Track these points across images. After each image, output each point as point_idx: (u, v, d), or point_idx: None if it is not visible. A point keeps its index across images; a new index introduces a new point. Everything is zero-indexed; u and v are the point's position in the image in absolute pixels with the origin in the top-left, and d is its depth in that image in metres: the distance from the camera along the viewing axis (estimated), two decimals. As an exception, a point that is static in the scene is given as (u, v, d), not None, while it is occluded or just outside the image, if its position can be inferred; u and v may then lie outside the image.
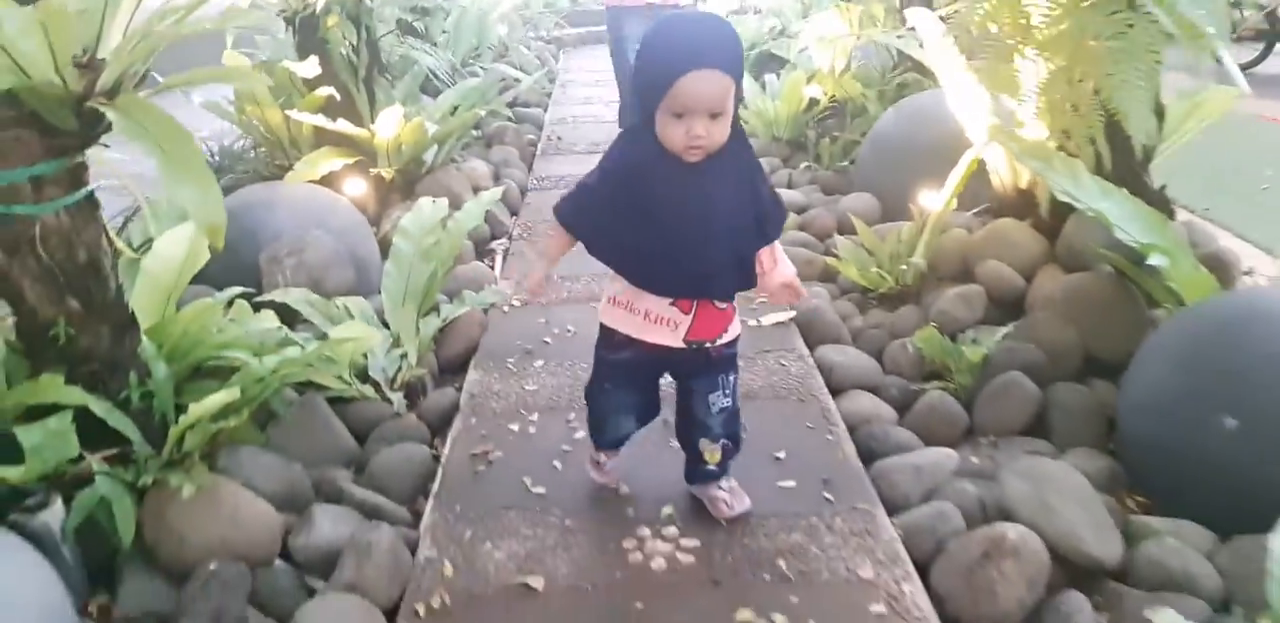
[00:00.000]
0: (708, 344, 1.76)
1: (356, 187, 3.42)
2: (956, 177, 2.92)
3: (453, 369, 2.66)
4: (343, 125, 3.43)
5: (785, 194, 3.98)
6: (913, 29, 3.25)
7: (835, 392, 2.42)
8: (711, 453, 1.86)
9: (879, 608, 1.63)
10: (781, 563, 1.75)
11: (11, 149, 1.77)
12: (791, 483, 1.96)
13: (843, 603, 1.65)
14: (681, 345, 1.74)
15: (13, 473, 1.59)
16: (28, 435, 1.66)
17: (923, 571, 1.75)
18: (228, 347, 2.09)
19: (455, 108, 4.13)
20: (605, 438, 1.97)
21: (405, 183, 3.72)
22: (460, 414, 2.35)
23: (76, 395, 1.75)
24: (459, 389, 2.50)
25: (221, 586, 1.64)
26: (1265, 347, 1.87)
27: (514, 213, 4.01)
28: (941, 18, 2.92)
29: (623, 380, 1.87)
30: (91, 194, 1.91)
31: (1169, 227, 2.38)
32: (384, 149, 3.56)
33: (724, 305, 1.76)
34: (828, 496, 1.95)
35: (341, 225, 2.97)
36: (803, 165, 4.43)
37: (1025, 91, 2.72)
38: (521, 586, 1.73)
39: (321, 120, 3.34)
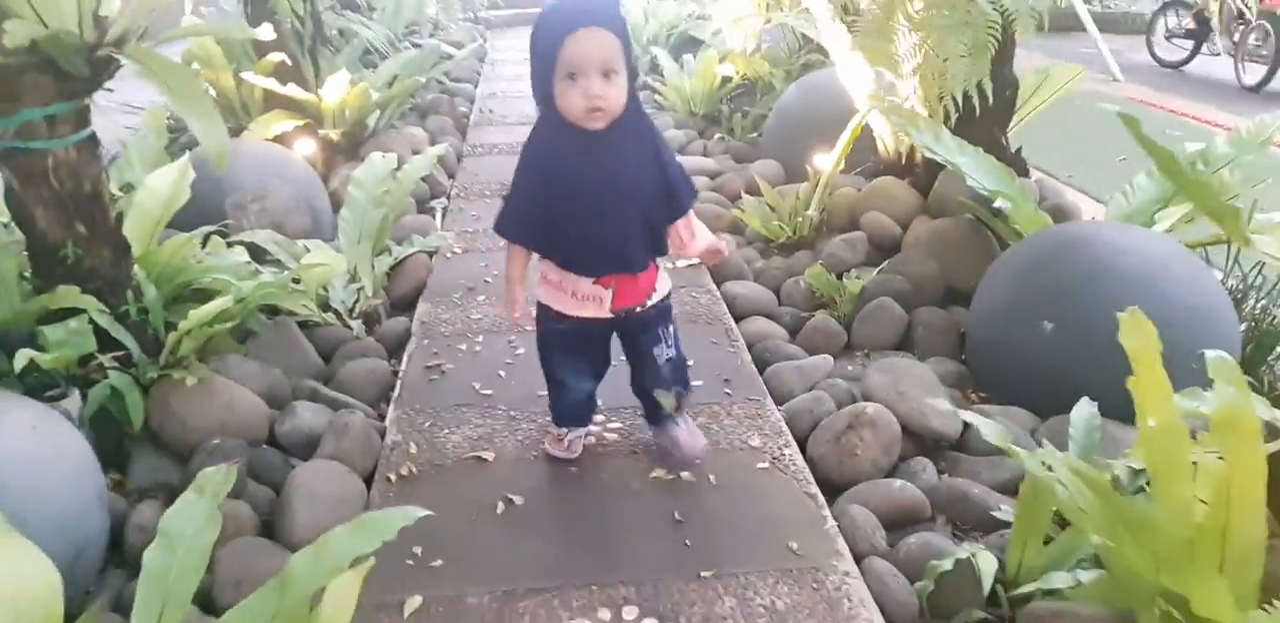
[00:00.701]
0: (637, 309, 1.88)
1: (306, 147, 3.71)
2: (843, 141, 3.35)
3: (403, 305, 2.99)
4: (292, 90, 3.71)
5: (700, 162, 4.39)
6: (807, 10, 3.67)
7: (738, 318, 2.83)
8: (666, 399, 2.00)
9: (764, 465, 2.04)
10: (689, 439, 2.15)
11: (29, 91, 2.05)
12: (699, 382, 2.35)
13: (736, 463, 2.05)
14: (610, 315, 1.87)
15: (44, 358, 1.89)
16: (53, 332, 1.96)
17: (801, 443, 2.16)
18: (210, 272, 2.40)
19: (394, 77, 4.43)
20: (566, 403, 2.04)
21: (350, 145, 4.02)
22: (414, 337, 2.70)
23: (91, 303, 2.05)
24: (410, 318, 2.84)
25: (224, 456, 1.96)
26: (1075, 266, 2.32)
27: (451, 176, 4.34)
28: (830, 1, 3.34)
29: (568, 347, 1.97)
30: (94, 133, 2.20)
31: (1015, 178, 2.84)
32: (330, 113, 3.86)
33: (640, 274, 1.86)
34: (728, 390, 2.36)
35: (296, 178, 3.27)
36: (716, 137, 4.84)
37: (900, 65, 3.17)
38: (475, 458, 2.09)
39: (273, 84, 3.62)
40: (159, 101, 3.37)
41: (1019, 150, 3.29)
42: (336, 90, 3.82)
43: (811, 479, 2.01)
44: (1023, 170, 3.23)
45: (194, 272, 2.40)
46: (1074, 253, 2.37)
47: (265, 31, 3.28)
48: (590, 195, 1.73)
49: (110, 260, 2.24)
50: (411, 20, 5.96)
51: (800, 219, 3.41)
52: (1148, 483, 1.61)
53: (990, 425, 1.64)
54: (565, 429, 2.08)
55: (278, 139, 3.60)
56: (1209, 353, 1.47)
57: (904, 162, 3.47)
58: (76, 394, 2.01)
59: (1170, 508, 1.38)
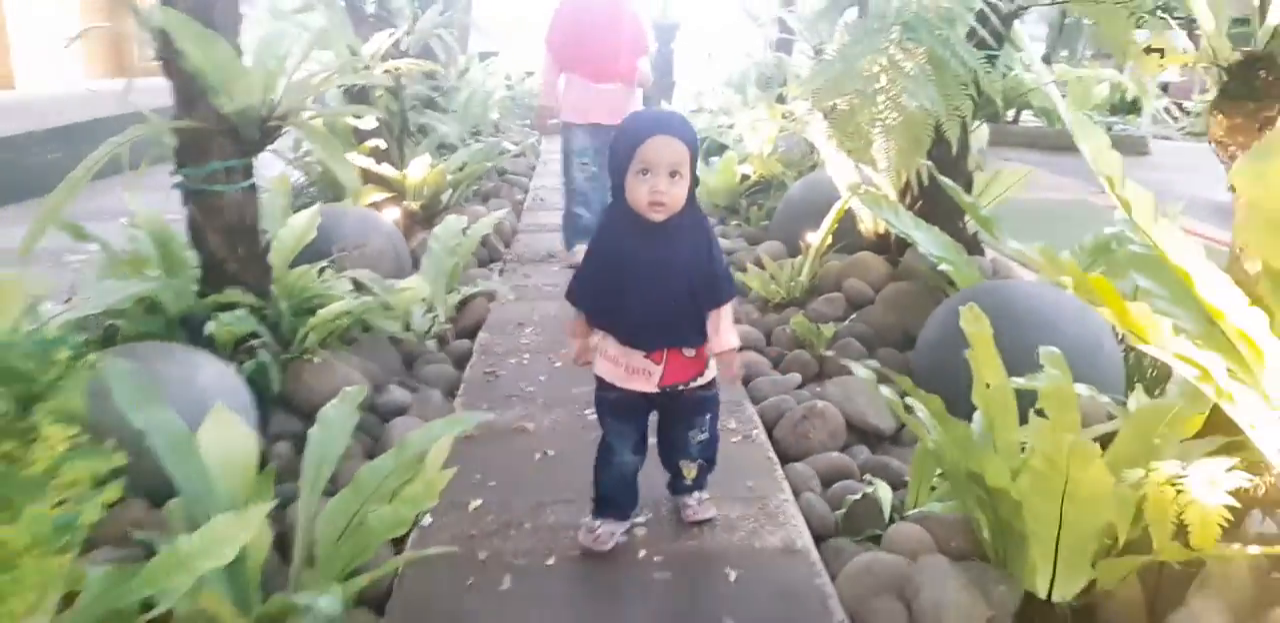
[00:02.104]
0: (680, 388, 2.06)
1: (393, 213, 4.54)
2: (828, 221, 4.11)
3: (466, 333, 3.73)
4: (385, 169, 4.58)
5: (724, 244, 5.15)
6: (795, 118, 4.51)
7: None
8: (689, 470, 2.21)
9: (736, 440, 2.70)
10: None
11: (216, 149, 2.87)
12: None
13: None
14: (656, 390, 2.05)
15: (221, 331, 2.63)
16: (226, 317, 2.70)
17: (769, 430, 2.82)
18: (326, 292, 3.15)
19: (464, 164, 5.31)
20: (611, 478, 2.15)
21: (427, 216, 4.86)
22: (475, 354, 3.42)
23: (250, 299, 2.81)
24: (472, 341, 3.57)
25: (338, 413, 2.66)
26: (992, 308, 2.99)
27: (507, 246, 5.15)
28: (823, 111, 4.16)
29: (617, 413, 2.13)
30: (254, 183, 3.00)
31: (961, 250, 3.55)
32: (413, 188, 4.71)
33: (691, 353, 2.05)
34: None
35: (386, 235, 4.08)
36: (733, 224, 5.65)
37: (875, 159, 3.94)
38: (520, 428, 2.78)
39: (370, 163, 4.48)
40: (280, 171, 4.22)
41: (975, 234, 4.02)
42: (419, 171, 4.69)
43: (771, 449, 2.66)
44: (975, 249, 3.95)
45: (314, 290, 3.16)
46: (992, 298, 3.05)
47: (368, 121, 4.19)
48: (647, 277, 1.95)
49: (258, 276, 3.01)
50: (478, 121, 6.96)
51: (793, 283, 4.13)
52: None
53: (866, 373, 2.28)
54: (599, 522, 2.15)
55: (371, 206, 4.44)
56: (1043, 349, 2.13)
57: (880, 239, 4.22)
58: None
59: (1001, 440, 2.02)
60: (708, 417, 2.17)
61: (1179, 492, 1.75)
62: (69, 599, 1.50)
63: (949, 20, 3.44)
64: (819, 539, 2.23)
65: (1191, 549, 1.71)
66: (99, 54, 12.18)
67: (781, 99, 5.98)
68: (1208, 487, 1.72)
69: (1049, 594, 1.90)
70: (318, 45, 3.07)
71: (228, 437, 1.96)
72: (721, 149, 6.96)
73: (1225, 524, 1.70)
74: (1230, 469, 1.75)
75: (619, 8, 4.56)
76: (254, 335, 2.82)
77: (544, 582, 2.00)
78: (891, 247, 4.15)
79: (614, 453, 2.14)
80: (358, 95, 4.72)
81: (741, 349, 3.52)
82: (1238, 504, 1.73)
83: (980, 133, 4.37)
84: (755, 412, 2.92)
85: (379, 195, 4.53)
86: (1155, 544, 1.75)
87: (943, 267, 3.41)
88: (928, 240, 3.51)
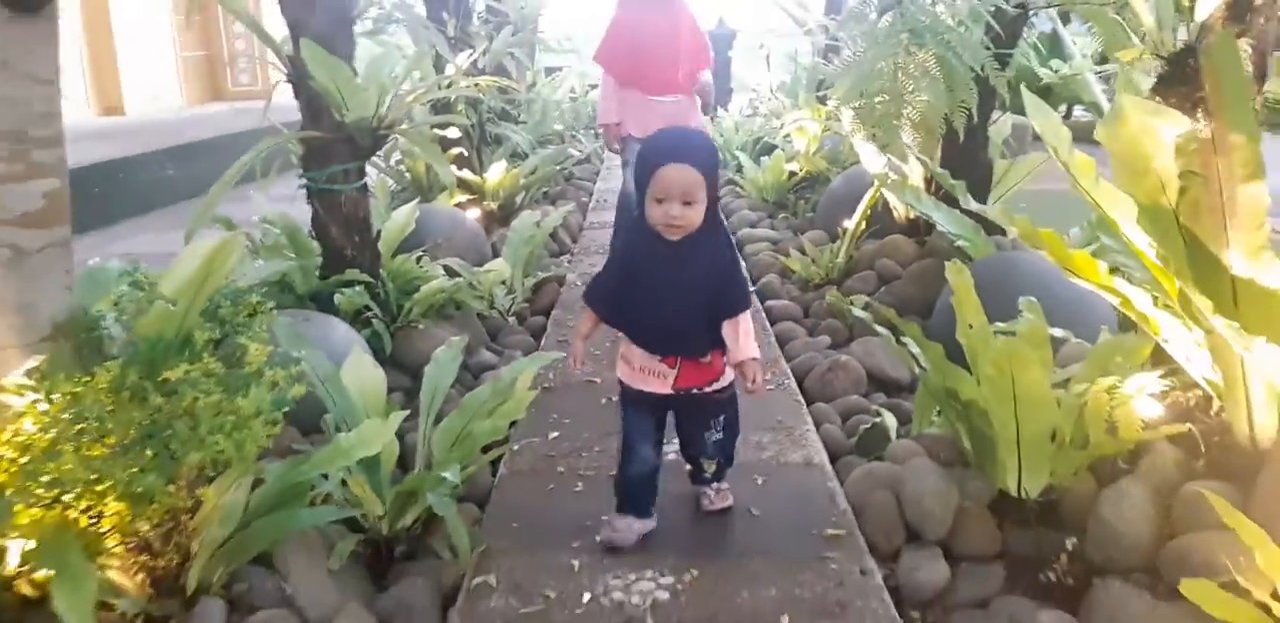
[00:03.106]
0: (694, 391, 2.17)
1: (474, 213, 5.13)
2: (861, 207, 4.57)
3: (541, 311, 4.28)
4: (466, 173, 5.17)
5: (766, 233, 5.64)
6: (834, 117, 4.97)
7: (773, 321, 4.01)
8: (709, 465, 2.34)
9: (771, 388, 3.19)
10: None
11: (335, 154, 3.47)
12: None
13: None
14: (671, 392, 2.16)
15: (344, 303, 3.22)
16: (348, 292, 3.29)
17: (800, 382, 3.30)
18: (425, 274, 3.73)
19: (535, 168, 5.90)
20: (632, 475, 2.22)
21: (503, 216, 5.44)
22: (549, 326, 3.97)
23: (367, 278, 3.40)
24: (546, 318, 4.12)
25: (439, 369, 3.22)
26: (997, 274, 3.44)
27: (574, 241, 5.71)
28: (853, 108, 4.62)
29: (638, 413, 2.23)
30: (366, 183, 3.59)
31: (976, 228, 3.98)
32: (491, 190, 5.30)
33: (706, 360, 2.15)
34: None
35: (470, 230, 4.67)
36: (781, 216, 6.12)
37: (905, 150, 4.40)
38: (588, 381, 3.30)
39: (454, 168, 5.08)
40: (379, 176, 4.84)
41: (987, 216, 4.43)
42: (496, 174, 5.28)
43: (799, 394, 3.15)
44: (994, 229, 4.37)
45: (414, 273, 3.74)
46: (1000, 266, 3.50)
47: (452, 132, 4.78)
48: (661, 290, 2.05)
49: (369, 261, 3.60)
50: (546, 130, 7.58)
51: (831, 265, 4.60)
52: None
53: (884, 331, 2.75)
54: (621, 519, 2.23)
55: (456, 206, 5.04)
56: (1023, 299, 2.58)
57: (909, 223, 4.66)
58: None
59: (980, 371, 2.48)
60: (722, 418, 2.27)
61: (1114, 397, 2.20)
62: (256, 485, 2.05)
63: (959, 23, 3.91)
64: (834, 458, 2.71)
65: (1120, 441, 2.15)
66: (196, 81, 13.18)
67: (823, 101, 6.43)
68: (1136, 391, 2.17)
69: (1018, 491, 2.35)
70: (412, 66, 3.65)
71: (363, 372, 2.53)
72: (772, 149, 7.44)
73: (1147, 423, 2.15)
74: (1159, 379, 2.19)
75: (676, 19, 4.60)
76: (368, 308, 3.40)
77: (608, 487, 2.51)
78: (920, 229, 4.59)
79: (634, 451, 2.20)
80: (441, 109, 5.33)
81: (776, 321, 4.03)
82: (1160, 406, 2.17)
83: (1002, 124, 4.76)
84: (789, 367, 3.41)
85: (462, 197, 5.12)
86: (1091, 440, 2.19)
87: (960, 243, 3.85)
88: (947, 220, 3.95)
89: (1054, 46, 9.77)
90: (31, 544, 1.73)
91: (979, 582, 2.12)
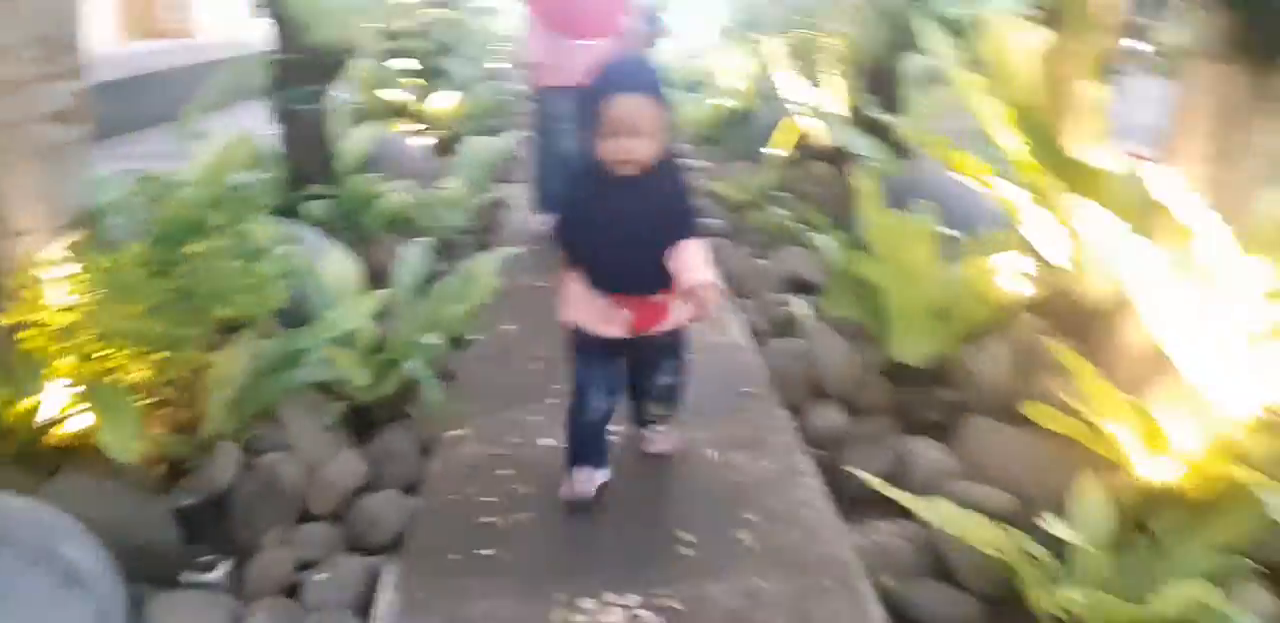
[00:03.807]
0: (650, 332, 2.10)
1: (423, 141, 5.39)
2: (781, 133, 4.95)
3: (491, 229, 4.60)
4: (416, 104, 5.41)
5: (699, 163, 5.99)
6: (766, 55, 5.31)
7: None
8: (657, 408, 2.32)
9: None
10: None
11: (304, 76, 3.70)
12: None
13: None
14: (626, 336, 2.09)
15: (310, 218, 3.50)
16: (314, 204, 3.56)
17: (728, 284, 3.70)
18: (384, 192, 4.01)
19: (479, 100, 6.14)
20: (584, 425, 2.18)
21: (449, 144, 5.70)
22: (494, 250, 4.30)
23: (332, 192, 3.67)
24: (493, 236, 4.44)
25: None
26: (906, 188, 3.85)
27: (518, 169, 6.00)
28: (782, 44, 4.98)
29: (590, 358, 2.17)
30: (327, 105, 3.84)
31: (888, 151, 4.37)
32: (438, 119, 5.54)
33: (658, 298, 2.06)
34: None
35: (421, 154, 4.94)
36: (714, 147, 6.47)
37: (819, 79, 4.77)
38: (537, 286, 3.65)
39: (403, 97, 5.32)
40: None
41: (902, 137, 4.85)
42: (441, 104, 5.52)
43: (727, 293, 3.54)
44: (905, 155, 4.79)
45: (373, 191, 4.01)
46: (904, 181, 3.92)
47: (409, 64, 5.02)
48: (616, 226, 1.98)
49: (329, 178, 3.88)
50: (489, 65, 7.80)
51: (756, 188, 4.98)
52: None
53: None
54: (577, 471, 2.19)
55: (406, 133, 5.29)
56: (919, 202, 2.98)
57: (830, 151, 5.05)
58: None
59: (875, 254, 2.89)
60: (674, 362, 2.24)
61: (985, 275, 2.63)
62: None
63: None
64: (756, 340, 3.12)
65: (988, 309, 2.59)
66: (130, 19, 12.91)
67: (756, 39, 6.75)
68: (1003, 268, 2.60)
69: (909, 359, 2.78)
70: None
71: (340, 265, 2.86)
72: (704, 86, 7.75)
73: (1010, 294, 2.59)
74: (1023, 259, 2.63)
75: None
76: (330, 221, 3.68)
77: (555, 367, 2.88)
78: (839, 156, 4.98)
79: (586, 399, 2.16)
80: (392, 41, 5.54)
81: (712, 235, 4.40)
82: (1023, 281, 2.61)
83: (917, 60, 5.15)
84: (721, 275, 3.81)
85: (410, 126, 5.37)
86: (966, 310, 2.63)
87: (872, 164, 4.25)
88: (863, 145, 4.35)
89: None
90: (75, 390, 2.05)
91: (870, 425, 2.56)
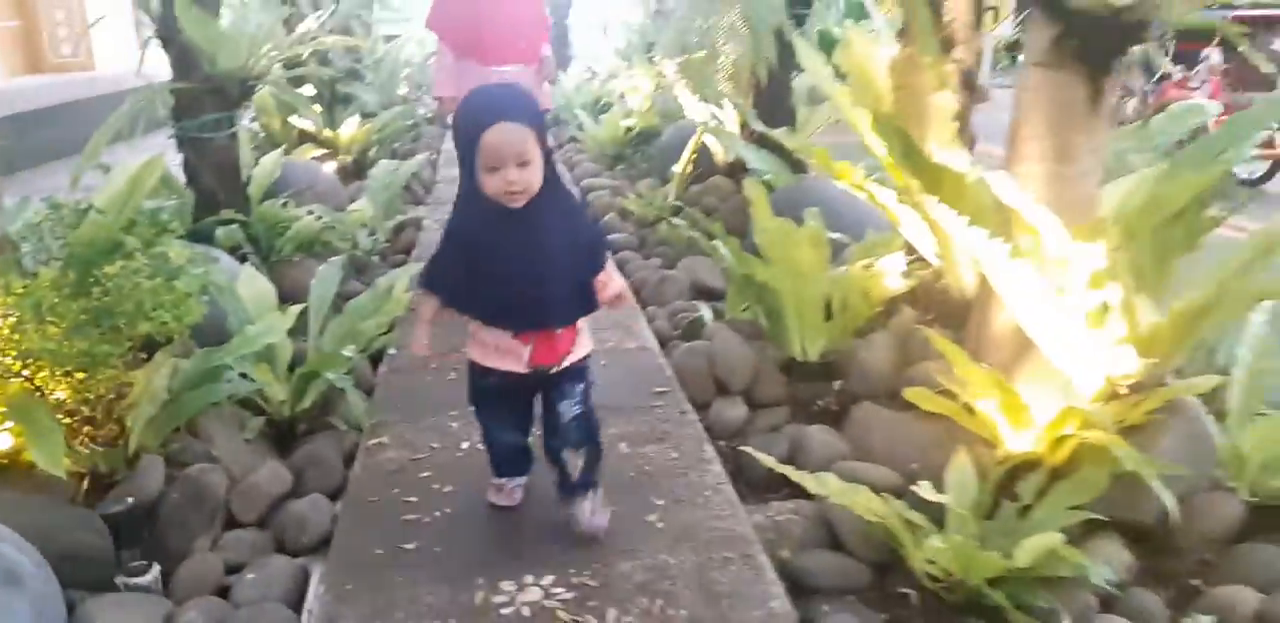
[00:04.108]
0: (552, 369, 1.99)
1: (330, 166, 5.45)
2: (686, 153, 5.17)
3: (402, 251, 4.69)
4: (324, 130, 5.48)
5: (606, 182, 6.18)
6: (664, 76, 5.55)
7: (614, 251, 4.56)
8: (575, 459, 2.07)
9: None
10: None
11: (207, 104, 3.77)
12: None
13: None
14: (526, 371, 1.98)
15: (223, 242, 3.56)
16: (225, 231, 3.62)
17: (637, 294, 3.86)
18: (293, 216, 4.09)
19: (385, 124, 6.23)
20: (499, 453, 2.19)
21: (356, 169, 5.78)
22: (411, 263, 4.39)
23: (242, 217, 3.73)
24: (408, 256, 4.53)
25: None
26: (798, 198, 4.09)
27: (428, 192, 6.10)
28: (675, 62, 5.20)
29: (492, 399, 2.11)
30: (236, 132, 3.91)
31: (783, 165, 4.61)
32: (345, 144, 5.62)
33: (560, 331, 1.97)
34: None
35: (328, 180, 5.01)
36: (619, 167, 6.68)
37: (721, 99, 5.01)
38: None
39: (310, 124, 5.38)
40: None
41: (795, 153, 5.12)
42: (349, 130, 5.60)
43: (637, 304, 3.71)
44: (800, 168, 5.05)
45: (282, 216, 4.08)
46: (796, 192, 4.15)
47: (307, 90, 5.10)
48: (511, 262, 1.86)
49: (240, 204, 3.94)
50: (391, 93, 7.88)
51: (661, 205, 5.18)
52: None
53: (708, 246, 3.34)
54: (502, 480, 2.23)
55: (313, 159, 5.35)
56: (806, 210, 3.19)
57: (729, 166, 5.29)
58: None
59: (765, 257, 3.09)
60: (580, 386, 2.07)
61: (868, 273, 2.85)
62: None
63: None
64: (664, 345, 3.29)
65: (871, 303, 2.81)
66: (14, 53, 12.59)
67: (653, 61, 6.99)
68: (883, 267, 2.82)
69: (803, 354, 2.98)
70: (273, 22, 3.98)
71: (256, 284, 2.94)
72: (609, 108, 7.97)
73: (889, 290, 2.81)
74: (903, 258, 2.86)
75: None
76: (242, 246, 3.75)
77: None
78: (737, 171, 5.22)
79: (496, 437, 2.18)
80: (294, 68, 5.59)
81: (618, 251, 4.58)
82: (901, 278, 2.83)
83: (804, 78, 5.43)
84: (628, 284, 3.97)
85: (318, 151, 5.43)
86: (850, 306, 2.84)
87: (767, 176, 4.49)
88: (757, 159, 4.58)
89: (860, 10, 10.68)
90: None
91: (769, 417, 2.75)
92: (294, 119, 5.39)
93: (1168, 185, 2.33)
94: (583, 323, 2.04)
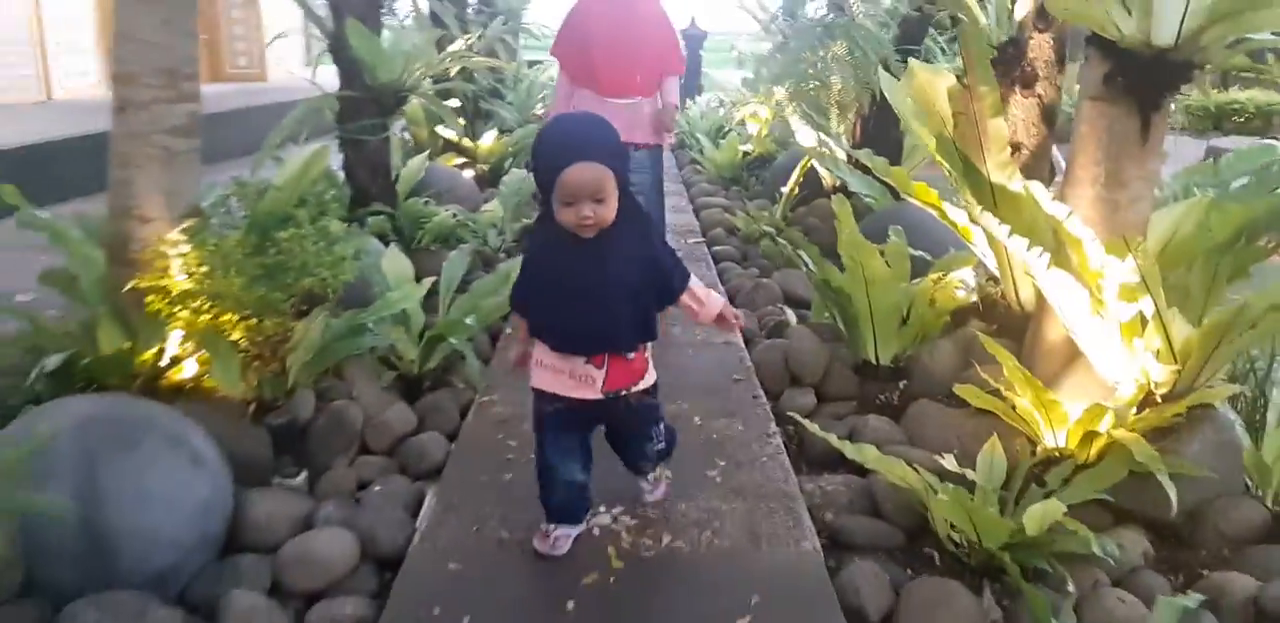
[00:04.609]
0: (624, 392, 2.04)
1: (469, 173, 5.99)
2: (795, 174, 5.49)
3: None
4: (464, 141, 6.04)
5: (720, 201, 6.54)
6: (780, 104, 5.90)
7: (717, 261, 4.91)
8: (648, 467, 2.31)
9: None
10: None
11: (367, 110, 4.32)
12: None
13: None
14: (600, 397, 2.01)
15: (372, 228, 4.07)
16: (374, 220, 4.14)
17: (733, 300, 4.19)
18: (433, 212, 4.59)
19: (519, 139, 6.77)
20: (557, 493, 2.13)
21: (492, 177, 6.31)
22: (532, 260, 4.85)
23: (389, 209, 4.25)
24: (530, 254, 4.99)
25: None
26: (892, 220, 4.36)
27: (553, 203, 6.58)
28: (786, 90, 5.54)
29: (559, 430, 2.11)
30: (389, 135, 4.45)
31: (884, 190, 4.88)
32: (483, 155, 6.17)
33: (632, 356, 2.02)
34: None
35: (467, 184, 5.54)
36: (734, 188, 7.04)
37: (830, 127, 5.32)
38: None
39: (453, 135, 5.94)
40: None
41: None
42: (488, 141, 6.14)
43: (730, 304, 4.03)
44: (896, 195, 5.30)
45: (424, 212, 4.60)
46: (893, 215, 4.42)
47: (452, 103, 5.66)
48: (585, 288, 1.92)
49: (389, 199, 4.46)
50: (529, 111, 8.49)
51: (766, 222, 5.51)
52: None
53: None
54: (554, 526, 2.16)
55: (455, 166, 5.90)
56: (891, 227, 3.48)
57: (835, 189, 5.58)
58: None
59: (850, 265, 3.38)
60: (659, 426, 2.19)
61: (938, 286, 3.12)
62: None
63: (882, 25, 4.84)
64: (748, 342, 3.61)
65: (938, 312, 3.07)
66: (206, 64, 13.88)
67: (773, 91, 7.35)
68: (952, 280, 3.09)
69: (875, 359, 3.25)
70: (427, 43, 4.53)
71: (397, 261, 3.41)
72: (728, 133, 8.36)
73: (956, 301, 3.07)
74: (972, 272, 3.11)
75: (636, 14, 4.08)
76: (387, 234, 4.26)
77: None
78: (843, 194, 5.51)
79: (556, 473, 2.12)
80: (440, 84, 6.19)
81: (720, 261, 4.93)
82: (969, 291, 3.09)
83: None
84: (725, 290, 4.32)
85: (459, 160, 5.99)
86: (920, 315, 3.11)
87: (868, 200, 4.77)
88: (860, 184, 4.87)
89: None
90: (189, 342, 2.58)
91: (835, 407, 3.04)
92: (440, 129, 5.97)
93: (1217, 214, 2.54)
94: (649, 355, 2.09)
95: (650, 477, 2.33)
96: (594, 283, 1.92)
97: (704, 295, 2.08)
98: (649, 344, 2.07)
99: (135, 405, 2.20)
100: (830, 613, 1.94)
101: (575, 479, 2.13)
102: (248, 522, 2.15)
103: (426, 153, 4.89)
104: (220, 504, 2.08)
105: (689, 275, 2.07)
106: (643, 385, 2.08)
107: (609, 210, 1.85)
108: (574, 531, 2.19)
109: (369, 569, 2.13)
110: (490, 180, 6.35)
